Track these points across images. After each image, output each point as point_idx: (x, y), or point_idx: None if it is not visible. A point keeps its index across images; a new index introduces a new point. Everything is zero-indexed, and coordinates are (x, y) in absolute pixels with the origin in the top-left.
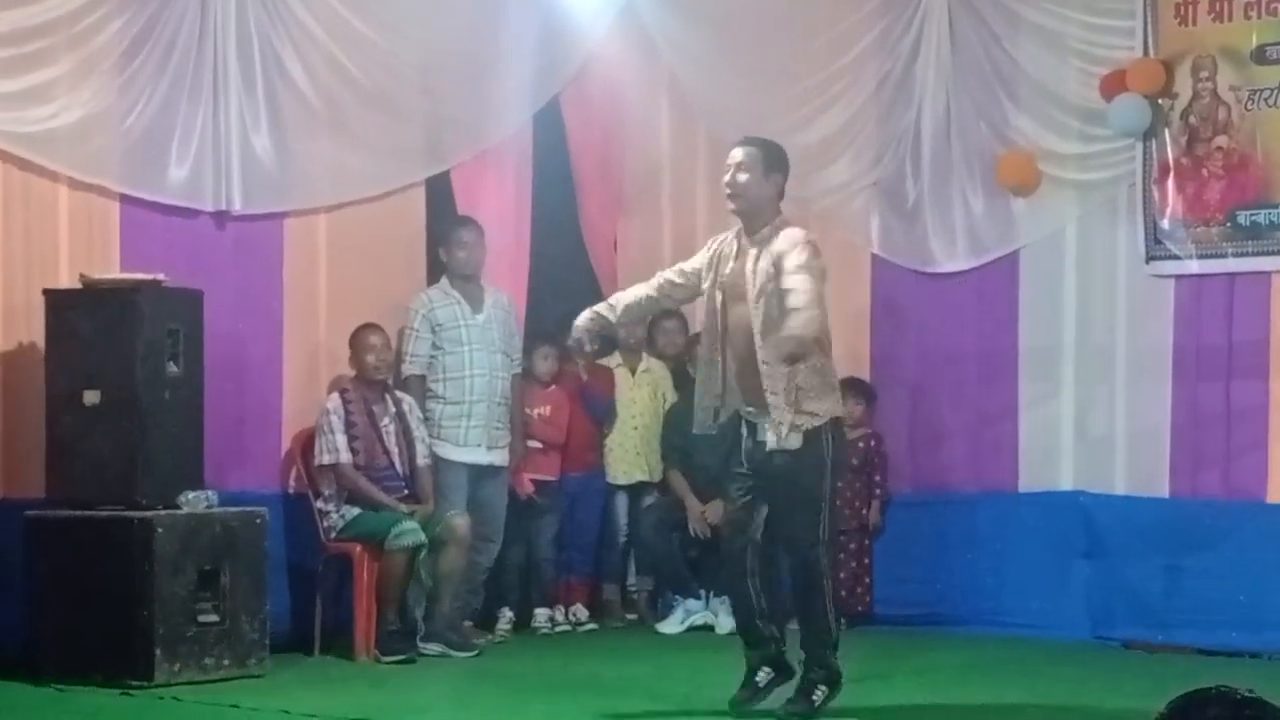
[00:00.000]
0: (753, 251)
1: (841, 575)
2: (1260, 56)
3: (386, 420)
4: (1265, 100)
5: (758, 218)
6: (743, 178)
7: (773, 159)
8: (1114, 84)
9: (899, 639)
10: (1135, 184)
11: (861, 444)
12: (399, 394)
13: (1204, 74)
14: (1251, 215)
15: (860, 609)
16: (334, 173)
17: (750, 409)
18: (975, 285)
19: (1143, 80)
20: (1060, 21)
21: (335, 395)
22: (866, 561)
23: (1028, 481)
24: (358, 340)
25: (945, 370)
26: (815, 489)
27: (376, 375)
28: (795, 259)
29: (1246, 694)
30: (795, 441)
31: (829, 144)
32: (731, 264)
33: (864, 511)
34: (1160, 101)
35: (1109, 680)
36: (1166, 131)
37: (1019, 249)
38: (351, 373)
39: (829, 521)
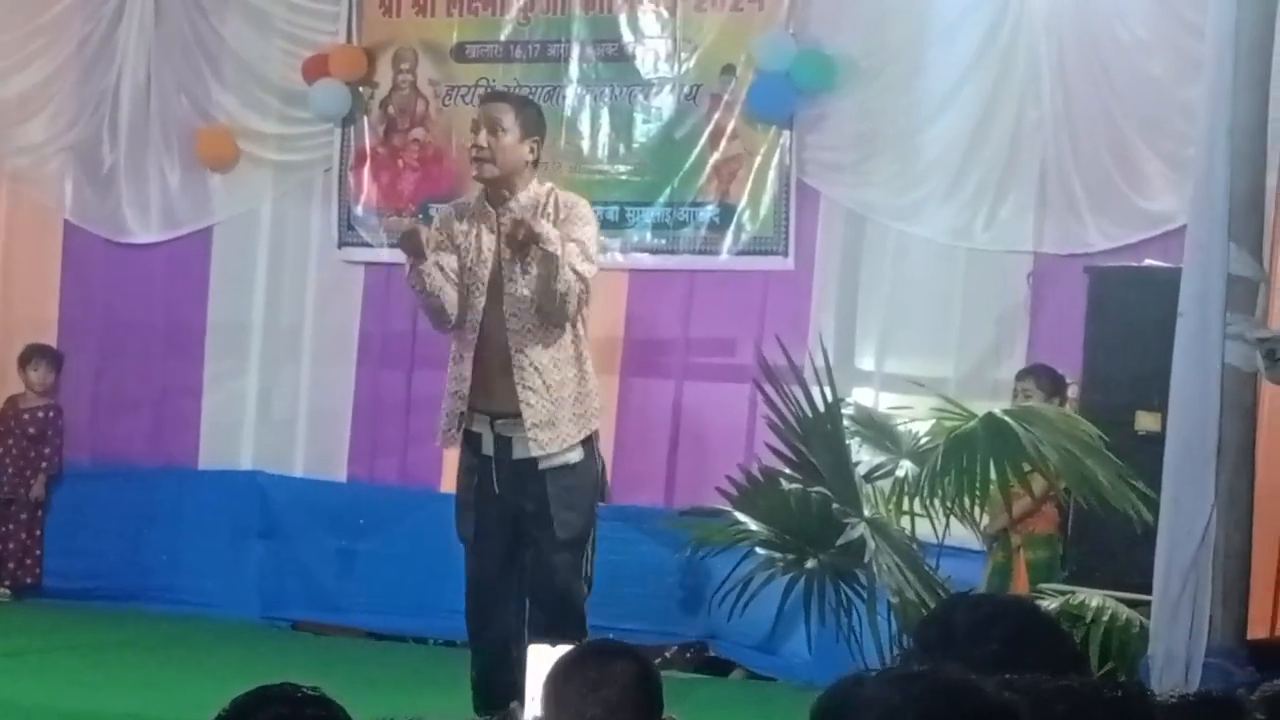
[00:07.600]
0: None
1: (10, 546)
2: (460, 54)
3: None
4: (462, 97)
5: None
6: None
7: (530, 121)
8: (316, 68)
9: (67, 613)
10: (332, 169)
11: (41, 414)
12: None
13: (405, 66)
14: (442, 208)
15: (29, 581)
16: None
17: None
18: (167, 258)
19: (344, 66)
20: (267, 1)
21: None
22: (37, 533)
23: (208, 459)
24: None
25: (132, 341)
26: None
27: None
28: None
29: (310, 692)
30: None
31: (25, 101)
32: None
33: (32, 483)
34: (361, 89)
35: (273, 660)
36: (365, 119)
37: (213, 225)
38: None
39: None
